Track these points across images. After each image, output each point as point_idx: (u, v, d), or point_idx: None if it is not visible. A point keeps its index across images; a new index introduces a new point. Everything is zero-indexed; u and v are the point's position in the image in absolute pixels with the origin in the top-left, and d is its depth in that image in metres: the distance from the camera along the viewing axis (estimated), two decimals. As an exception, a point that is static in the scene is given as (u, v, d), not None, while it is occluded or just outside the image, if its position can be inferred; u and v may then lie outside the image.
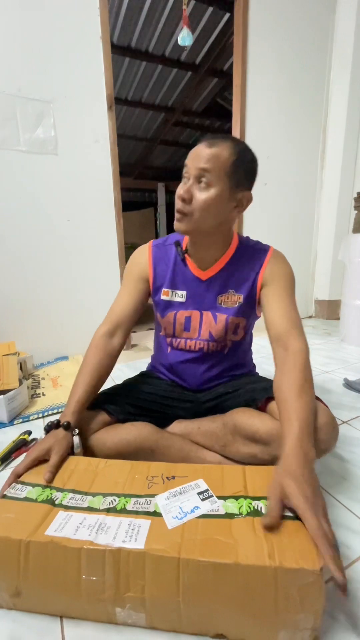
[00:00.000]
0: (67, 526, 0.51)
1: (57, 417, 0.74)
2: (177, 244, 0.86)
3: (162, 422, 0.85)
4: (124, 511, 0.54)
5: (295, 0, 2.06)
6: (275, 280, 0.81)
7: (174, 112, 4.32)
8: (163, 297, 0.86)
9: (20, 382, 1.24)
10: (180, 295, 0.85)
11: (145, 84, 3.68)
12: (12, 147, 1.50)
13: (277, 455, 0.70)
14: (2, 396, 1.12)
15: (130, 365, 1.59)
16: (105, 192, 1.74)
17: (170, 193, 6.86)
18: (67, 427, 0.70)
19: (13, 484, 0.61)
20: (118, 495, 0.57)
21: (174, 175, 6.42)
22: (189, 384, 0.91)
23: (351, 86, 2.22)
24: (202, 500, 0.56)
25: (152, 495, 0.57)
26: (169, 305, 0.86)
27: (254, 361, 1.01)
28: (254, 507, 0.54)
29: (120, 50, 3.01)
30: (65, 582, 0.49)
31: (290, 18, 2.07)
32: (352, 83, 2.22)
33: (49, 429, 0.71)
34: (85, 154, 1.65)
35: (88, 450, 0.74)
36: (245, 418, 0.75)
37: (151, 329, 2.32)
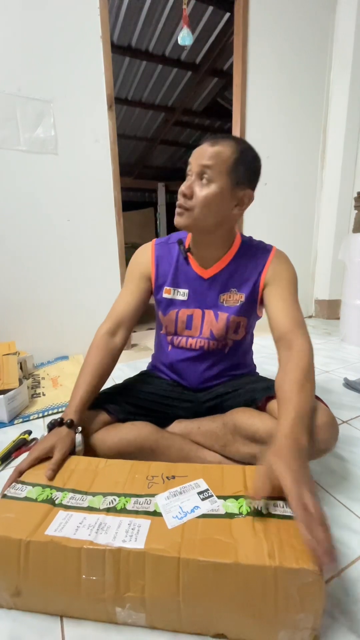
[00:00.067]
0: (67, 526, 0.51)
1: (57, 416, 0.74)
2: (180, 242, 0.87)
3: (162, 421, 0.85)
4: (124, 511, 0.54)
5: (295, 0, 2.06)
6: (278, 280, 0.81)
7: (174, 112, 4.32)
8: (165, 295, 0.86)
9: (21, 382, 1.24)
10: (182, 294, 0.86)
11: (145, 83, 3.68)
12: (12, 146, 1.50)
13: None
14: (2, 396, 1.12)
15: (130, 365, 1.58)
16: (105, 192, 1.74)
17: (170, 193, 6.86)
18: (70, 425, 0.71)
19: (13, 484, 0.61)
20: (118, 495, 0.57)
21: (174, 175, 6.43)
22: (189, 383, 0.91)
23: (351, 86, 2.22)
24: (202, 500, 0.56)
25: (152, 495, 0.57)
26: (171, 303, 0.87)
27: (255, 361, 1.01)
28: (254, 507, 0.54)
29: (120, 50, 3.01)
30: (65, 581, 0.49)
31: (290, 18, 2.07)
32: (352, 83, 2.22)
33: (52, 426, 0.72)
34: (85, 154, 1.65)
35: (88, 450, 0.74)
36: (245, 418, 0.75)
37: (151, 329, 2.32)
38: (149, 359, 1.05)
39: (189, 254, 0.85)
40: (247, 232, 0.89)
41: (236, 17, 1.96)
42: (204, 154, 0.71)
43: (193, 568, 0.46)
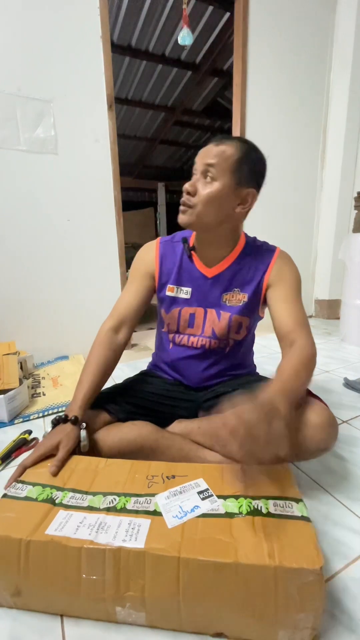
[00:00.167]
0: (67, 525, 0.51)
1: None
2: (185, 240, 0.87)
3: (162, 421, 0.86)
4: (124, 510, 0.54)
5: (295, 0, 2.06)
6: (281, 281, 0.82)
7: (174, 112, 4.32)
8: (168, 293, 0.87)
9: (21, 382, 1.24)
10: (185, 292, 0.86)
11: (146, 83, 3.67)
12: (12, 146, 1.49)
13: (277, 455, 0.70)
14: (2, 396, 1.12)
15: (130, 365, 1.59)
16: (105, 191, 1.74)
17: (170, 193, 6.86)
18: (75, 421, 0.71)
19: (14, 484, 0.61)
20: (118, 495, 0.57)
21: (174, 174, 6.42)
22: (189, 382, 0.91)
23: (351, 86, 2.22)
24: (202, 499, 0.56)
25: (152, 495, 0.57)
26: (174, 301, 0.87)
27: (255, 361, 1.01)
28: (253, 506, 0.54)
29: (120, 49, 3.01)
30: (65, 581, 0.50)
31: (290, 18, 2.07)
32: (352, 83, 2.22)
33: (56, 423, 0.72)
34: (85, 154, 1.65)
35: (91, 447, 0.75)
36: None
37: (151, 329, 2.32)
38: (149, 359, 1.05)
39: (193, 252, 0.86)
40: (246, 232, 0.90)
41: (236, 17, 1.96)
42: (209, 153, 0.73)
43: (193, 567, 0.46)
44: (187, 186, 0.74)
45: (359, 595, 0.56)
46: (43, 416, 1.19)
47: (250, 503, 0.54)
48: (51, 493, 0.58)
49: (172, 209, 6.85)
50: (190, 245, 0.86)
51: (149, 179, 6.62)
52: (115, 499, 0.56)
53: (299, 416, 0.69)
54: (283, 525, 0.50)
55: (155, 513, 0.53)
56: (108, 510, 0.54)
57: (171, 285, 0.86)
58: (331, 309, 2.57)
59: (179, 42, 1.83)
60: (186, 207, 0.75)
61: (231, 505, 0.54)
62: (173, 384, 0.93)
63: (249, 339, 0.92)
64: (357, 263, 1.94)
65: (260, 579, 0.45)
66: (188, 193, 0.74)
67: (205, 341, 0.86)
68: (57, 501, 0.56)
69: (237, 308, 0.84)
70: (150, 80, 3.63)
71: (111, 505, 0.55)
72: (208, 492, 0.57)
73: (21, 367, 1.43)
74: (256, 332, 0.96)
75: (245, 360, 0.94)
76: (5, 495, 0.58)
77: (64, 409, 1.18)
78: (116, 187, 1.76)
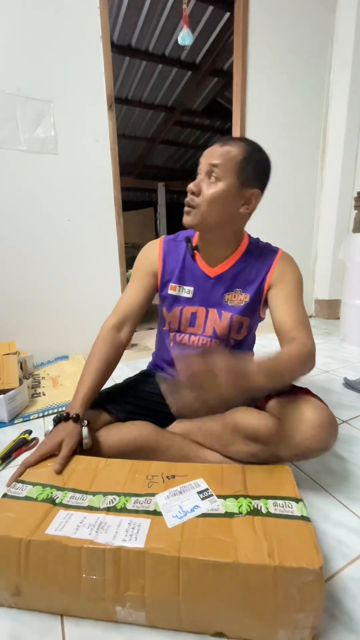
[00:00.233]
0: (67, 525, 0.51)
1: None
2: (188, 239, 0.88)
3: (162, 421, 0.86)
4: (124, 510, 0.54)
5: (295, 0, 2.06)
6: (283, 282, 0.82)
7: (174, 112, 4.32)
8: (170, 291, 0.87)
9: (21, 382, 1.24)
10: (187, 291, 0.86)
11: (146, 83, 3.67)
12: (12, 146, 1.50)
13: (277, 455, 0.70)
14: (2, 395, 1.12)
15: (130, 365, 1.59)
16: (105, 191, 1.74)
17: (171, 193, 6.85)
18: (77, 419, 0.71)
19: (14, 483, 0.61)
20: (118, 495, 0.57)
21: (175, 174, 6.42)
22: None
23: (351, 86, 2.22)
24: (202, 499, 0.56)
25: (152, 495, 0.57)
26: (176, 300, 0.87)
27: (255, 361, 1.01)
28: (253, 506, 0.54)
29: (120, 49, 3.01)
30: (65, 581, 0.50)
31: (290, 18, 2.07)
32: (352, 83, 2.22)
33: (58, 421, 0.72)
34: (85, 154, 1.65)
35: (93, 445, 0.75)
36: (245, 417, 0.75)
37: (151, 329, 2.32)
38: (149, 359, 1.06)
39: (196, 252, 0.86)
40: (247, 231, 0.90)
41: (236, 17, 1.95)
42: (214, 153, 0.73)
43: (193, 567, 0.46)
44: (191, 186, 0.75)
45: (358, 595, 0.56)
46: (43, 416, 1.19)
47: (250, 503, 0.54)
48: (51, 493, 0.58)
49: (172, 209, 6.85)
50: (194, 244, 0.87)
51: (149, 179, 6.62)
52: (115, 499, 0.56)
53: (299, 416, 0.69)
54: (283, 525, 0.50)
55: (155, 513, 0.53)
56: (108, 510, 0.54)
57: (173, 284, 0.87)
58: (331, 309, 2.57)
59: (179, 42, 1.83)
60: (190, 207, 0.76)
61: (231, 505, 0.54)
62: (173, 383, 0.93)
63: (250, 339, 0.92)
64: (357, 263, 1.94)
65: (260, 579, 0.45)
66: (192, 193, 0.75)
67: (206, 340, 0.86)
68: (57, 501, 0.56)
69: (239, 308, 0.84)
70: (150, 80, 3.63)
71: (111, 505, 0.55)
72: (208, 492, 0.57)
73: (21, 367, 1.43)
74: (256, 333, 0.96)
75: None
76: (5, 495, 0.58)
77: (64, 409, 1.18)
78: (116, 187, 1.76)
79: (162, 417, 0.86)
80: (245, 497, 0.56)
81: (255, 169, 0.75)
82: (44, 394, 1.35)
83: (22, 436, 1.03)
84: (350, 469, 0.87)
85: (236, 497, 0.56)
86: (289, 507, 0.53)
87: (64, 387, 1.40)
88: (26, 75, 1.47)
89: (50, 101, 1.53)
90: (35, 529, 0.51)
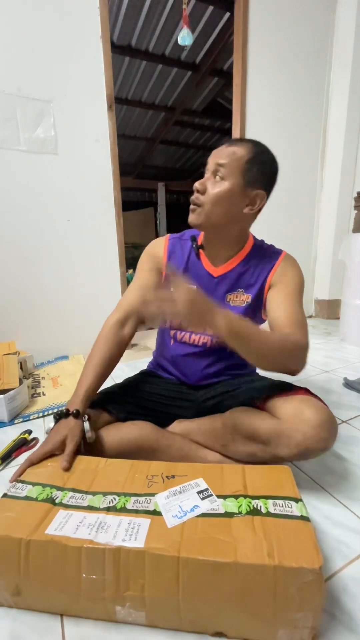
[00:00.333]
0: (67, 525, 0.51)
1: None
2: (193, 238, 0.89)
3: (162, 421, 0.86)
4: (124, 510, 0.54)
5: (295, 0, 2.06)
6: (283, 282, 0.82)
7: (174, 112, 4.32)
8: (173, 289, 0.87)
9: (21, 382, 1.24)
10: None
11: (145, 83, 3.68)
12: (12, 146, 1.49)
13: (276, 455, 0.70)
14: (2, 395, 1.12)
15: (130, 365, 1.59)
16: (105, 191, 1.74)
17: (171, 193, 6.85)
18: (77, 415, 0.71)
19: (14, 483, 0.61)
20: (118, 494, 0.57)
21: (175, 174, 6.43)
22: (189, 379, 0.91)
23: (351, 86, 2.22)
24: (202, 499, 0.56)
25: (152, 494, 0.57)
26: None
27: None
28: (253, 506, 0.54)
29: (120, 49, 3.01)
30: (65, 580, 0.50)
31: (290, 18, 2.07)
32: (352, 83, 2.21)
33: (58, 417, 0.72)
34: (86, 154, 1.65)
35: (93, 444, 0.75)
36: (245, 417, 0.75)
37: (151, 328, 2.32)
38: (149, 359, 1.06)
39: (200, 251, 0.86)
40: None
41: (236, 17, 1.95)
42: (221, 153, 0.74)
43: (193, 567, 0.46)
44: (197, 185, 0.76)
45: (358, 595, 0.56)
46: (43, 416, 1.19)
47: (250, 503, 0.54)
48: (51, 493, 0.58)
49: (172, 209, 6.85)
50: (199, 243, 0.87)
51: (149, 179, 6.62)
52: (115, 499, 0.56)
53: (299, 415, 0.69)
54: (282, 525, 0.50)
55: (155, 513, 0.53)
56: (108, 509, 0.54)
57: None
58: (331, 309, 2.57)
59: (179, 42, 1.83)
60: (195, 205, 0.77)
61: (231, 505, 0.54)
62: (173, 383, 0.93)
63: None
64: (357, 263, 1.94)
65: (260, 579, 0.45)
66: (198, 191, 0.76)
67: (206, 339, 0.87)
68: (57, 501, 0.56)
69: (241, 308, 0.84)
70: (150, 81, 3.63)
71: (111, 504, 0.55)
72: (208, 492, 0.57)
73: (21, 367, 1.43)
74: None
75: (245, 361, 0.94)
76: (5, 495, 0.58)
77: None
78: (116, 187, 1.76)
79: (162, 417, 0.87)
80: (245, 497, 0.56)
81: (260, 170, 0.75)
82: (44, 394, 1.35)
83: (22, 436, 1.03)
84: (350, 469, 0.87)
85: (236, 497, 0.56)
86: (288, 507, 0.54)
87: (64, 387, 1.40)
88: (26, 75, 1.47)
89: (50, 101, 1.53)
90: (35, 529, 0.51)
